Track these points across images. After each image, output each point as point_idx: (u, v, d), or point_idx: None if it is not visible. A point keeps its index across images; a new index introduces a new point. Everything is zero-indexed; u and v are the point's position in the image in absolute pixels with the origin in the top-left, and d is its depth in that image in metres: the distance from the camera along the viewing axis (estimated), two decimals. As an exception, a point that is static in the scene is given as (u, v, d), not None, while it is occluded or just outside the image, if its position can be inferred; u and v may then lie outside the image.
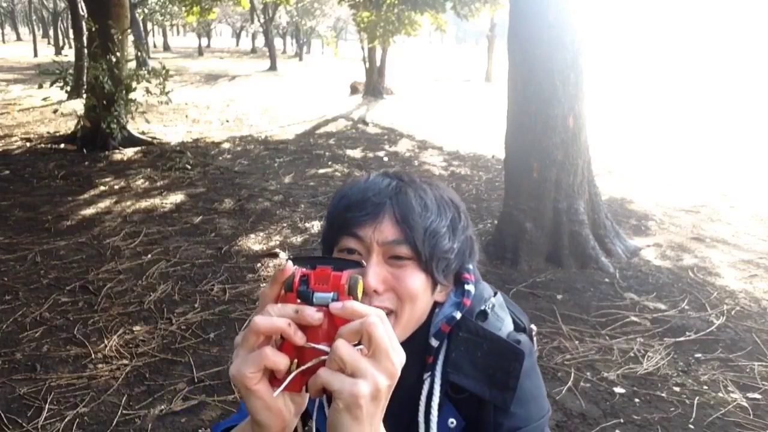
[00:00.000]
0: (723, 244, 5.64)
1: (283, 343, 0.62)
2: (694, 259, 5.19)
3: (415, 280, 0.88)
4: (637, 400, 3.13)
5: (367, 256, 0.88)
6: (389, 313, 0.86)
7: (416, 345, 0.92)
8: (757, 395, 3.18)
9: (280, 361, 0.61)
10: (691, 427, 2.93)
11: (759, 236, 5.93)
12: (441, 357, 0.93)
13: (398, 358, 0.61)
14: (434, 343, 0.93)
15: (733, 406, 3.08)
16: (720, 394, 3.18)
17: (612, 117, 13.84)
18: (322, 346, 0.61)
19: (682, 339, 3.77)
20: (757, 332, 3.88)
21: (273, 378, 0.63)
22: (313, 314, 0.61)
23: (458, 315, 0.94)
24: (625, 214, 6.43)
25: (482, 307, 0.97)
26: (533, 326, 1.08)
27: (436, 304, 0.96)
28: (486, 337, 0.93)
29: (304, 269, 0.65)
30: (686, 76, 28.73)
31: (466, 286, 0.97)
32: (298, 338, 0.61)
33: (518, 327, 1.03)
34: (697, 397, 3.15)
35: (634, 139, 11.55)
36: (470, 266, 1.00)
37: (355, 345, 0.60)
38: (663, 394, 3.18)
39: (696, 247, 5.51)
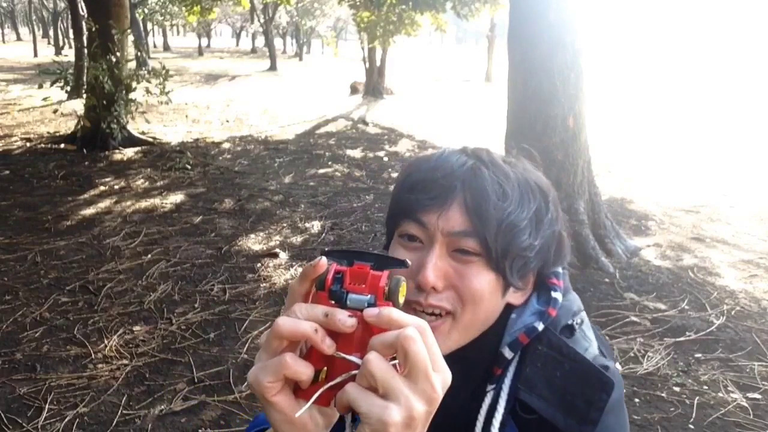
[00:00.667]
0: (723, 244, 5.64)
1: (311, 349, 0.55)
2: (694, 259, 5.19)
3: (482, 280, 0.76)
4: (637, 400, 3.13)
5: (428, 246, 0.77)
6: (446, 314, 0.76)
7: (483, 352, 0.81)
8: (757, 395, 3.18)
9: (301, 371, 0.53)
10: (691, 427, 2.93)
11: (759, 236, 5.93)
12: (511, 370, 0.80)
13: (440, 379, 0.52)
14: (508, 354, 0.80)
15: (733, 406, 3.08)
16: (720, 394, 3.18)
17: (612, 117, 13.84)
18: (353, 358, 0.53)
19: (682, 339, 3.77)
20: (757, 332, 3.88)
21: (298, 388, 0.55)
22: (345, 320, 0.53)
23: (540, 326, 0.80)
24: (625, 214, 6.43)
25: (569, 322, 0.84)
26: (618, 365, 0.93)
27: (511, 308, 0.83)
28: (569, 357, 0.79)
29: (339, 265, 0.57)
30: (686, 76, 28.73)
31: (553, 294, 0.83)
32: (326, 346, 0.53)
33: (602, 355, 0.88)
34: (697, 397, 3.15)
35: (634, 139, 11.55)
36: (559, 270, 0.86)
37: (390, 359, 0.52)
38: (663, 394, 3.18)
39: (696, 247, 5.51)
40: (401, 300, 0.56)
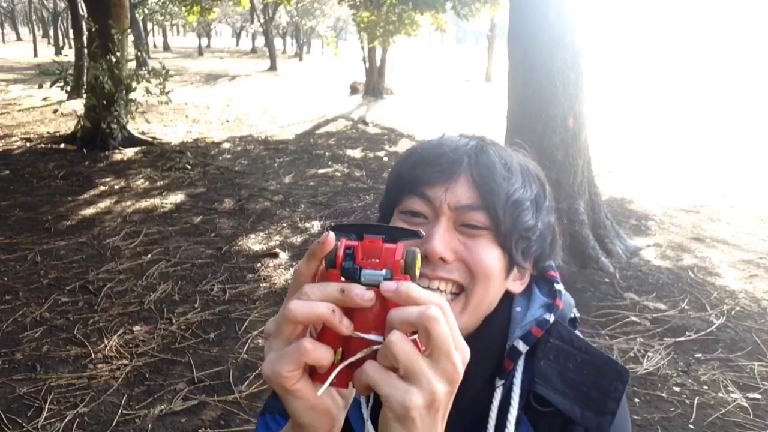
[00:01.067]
0: (723, 244, 5.64)
1: (324, 330, 0.52)
2: (694, 259, 5.19)
3: (491, 255, 0.74)
4: (637, 400, 3.13)
5: (433, 221, 0.74)
6: (459, 290, 0.74)
7: (491, 345, 0.79)
8: (757, 395, 3.18)
9: (323, 356, 0.50)
10: (691, 427, 2.93)
11: (759, 236, 5.93)
12: (521, 364, 0.79)
13: (461, 357, 0.51)
14: (522, 348, 0.78)
15: (733, 406, 3.08)
16: (720, 394, 3.18)
17: (612, 117, 13.84)
18: (372, 336, 0.51)
19: (682, 339, 3.77)
20: (757, 332, 3.88)
21: (314, 372, 0.53)
22: (363, 293, 0.50)
23: (552, 318, 0.79)
24: (625, 214, 6.43)
25: (572, 315, 0.84)
26: None
27: (509, 297, 0.82)
28: (581, 349, 0.79)
29: (348, 240, 0.53)
30: (686, 76, 28.73)
31: (556, 285, 0.84)
32: (344, 327, 0.50)
33: None
34: (697, 397, 3.15)
35: (634, 139, 11.55)
36: (552, 263, 0.86)
37: (410, 334, 0.50)
38: (663, 394, 3.18)
39: (696, 247, 5.51)
40: (417, 273, 0.53)
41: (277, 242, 5.41)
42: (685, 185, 7.92)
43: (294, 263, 4.90)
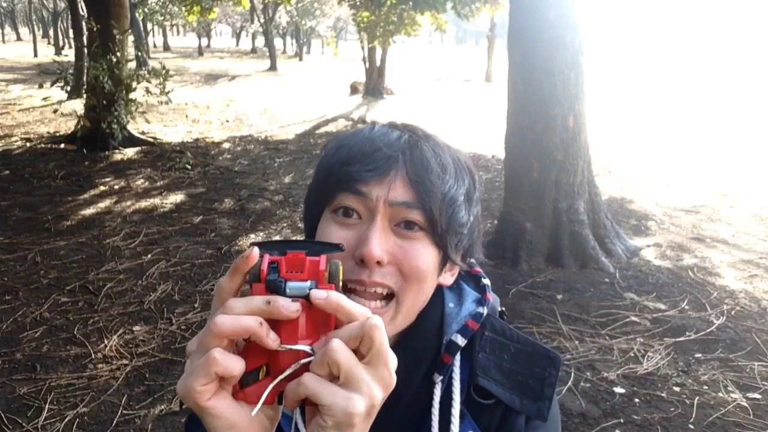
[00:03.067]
0: (723, 244, 5.64)
1: (248, 346, 0.52)
2: (694, 259, 5.19)
3: (426, 256, 0.72)
4: (637, 400, 3.13)
5: (368, 220, 0.71)
6: (389, 294, 0.72)
7: (426, 340, 0.78)
8: (757, 395, 3.18)
9: (232, 366, 0.49)
10: (691, 427, 2.93)
11: (759, 236, 5.93)
12: (458, 357, 0.79)
13: (394, 364, 0.52)
14: (461, 341, 0.78)
15: (733, 406, 3.08)
16: (720, 394, 3.18)
17: (612, 117, 13.84)
18: (302, 347, 0.51)
19: (682, 339, 3.77)
20: (757, 332, 3.88)
21: (237, 390, 0.52)
22: (289, 305, 0.50)
23: (485, 311, 0.80)
24: (625, 214, 6.44)
25: (500, 308, 0.86)
26: None
27: (440, 291, 0.81)
28: (514, 339, 0.81)
29: (272, 255, 0.54)
30: (686, 75, 28.73)
31: (483, 280, 0.85)
32: (271, 341, 0.50)
33: None
34: (697, 397, 3.15)
35: (634, 139, 11.55)
36: (474, 261, 0.85)
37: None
38: (663, 394, 3.18)
39: (696, 247, 5.51)
40: (341, 284, 0.54)
41: (277, 242, 5.41)
42: (685, 185, 7.92)
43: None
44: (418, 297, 0.74)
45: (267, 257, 0.53)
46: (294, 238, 0.54)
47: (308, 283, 0.52)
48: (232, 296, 0.54)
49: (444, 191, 0.73)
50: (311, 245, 0.55)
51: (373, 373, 0.50)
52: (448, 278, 0.81)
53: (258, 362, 0.51)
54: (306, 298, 0.51)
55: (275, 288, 0.51)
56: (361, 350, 0.50)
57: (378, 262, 0.69)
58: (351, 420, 0.49)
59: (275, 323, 0.51)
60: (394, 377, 0.52)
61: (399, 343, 0.75)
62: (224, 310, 0.51)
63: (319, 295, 0.51)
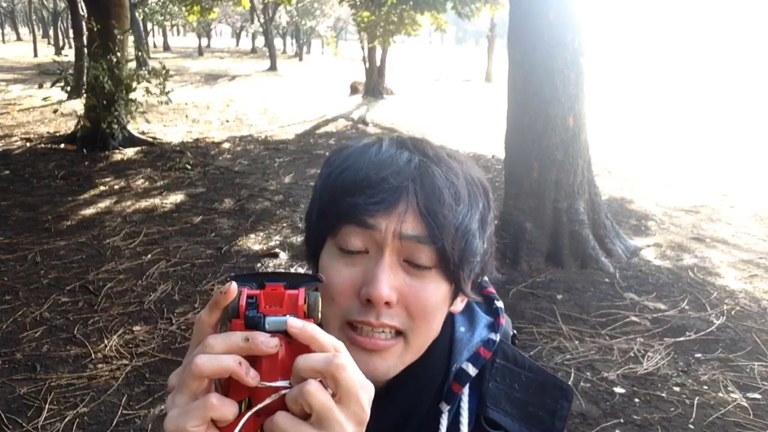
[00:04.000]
0: (723, 244, 5.64)
1: (230, 380, 0.52)
2: (694, 259, 5.19)
3: (436, 294, 0.69)
4: (637, 400, 3.13)
5: (376, 255, 0.67)
6: (398, 333, 0.68)
7: (434, 369, 0.75)
8: (757, 395, 3.18)
9: (229, 411, 0.50)
10: (691, 427, 2.93)
11: (759, 236, 5.93)
12: (467, 387, 0.75)
13: (367, 397, 0.52)
14: (472, 371, 0.75)
15: (733, 406, 3.08)
16: (720, 394, 3.18)
17: (612, 117, 13.84)
18: (279, 383, 0.51)
19: (682, 339, 3.77)
20: (757, 332, 3.88)
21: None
22: (268, 341, 0.50)
23: (497, 338, 0.77)
24: (625, 214, 6.44)
25: (513, 332, 0.82)
26: None
27: (450, 317, 0.77)
28: (525, 367, 0.77)
29: (250, 290, 0.53)
30: (686, 75, 28.73)
31: (496, 302, 0.81)
32: (251, 379, 0.50)
33: None
34: (697, 397, 3.15)
35: (634, 139, 11.55)
36: (487, 279, 0.81)
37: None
38: (663, 394, 3.18)
39: (696, 247, 5.51)
40: (320, 316, 0.54)
41: (277, 242, 5.41)
42: (685, 185, 7.92)
43: (294, 263, 4.91)
44: (428, 334, 0.72)
45: (245, 291, 0.53)
46: (272, 270, 0.54)
47: (287, 318, 0.52)
48: (211, 329, 0.54)
49: (457, 224, 0.67)
50: (290, 277, 0.55)
51: (346, 411, 0.50)
52: (459, 305, 0.77)
53: (239, 396, 0.51)
54: (285, 333, 0.51)
55: (254, 324, 0.51)
56: (329, 387, 0.50)
57: (387, 303, 0.66)
58: None
59: (255, 357, 0.51)
60: (368, 411, 0.52)
61: (406, 374, 0.72)
62: (204, 348, 0.51)
63: (295, 324, 0.51)
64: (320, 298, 0.54)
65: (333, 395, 0.50)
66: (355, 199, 0.67)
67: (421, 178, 0.68)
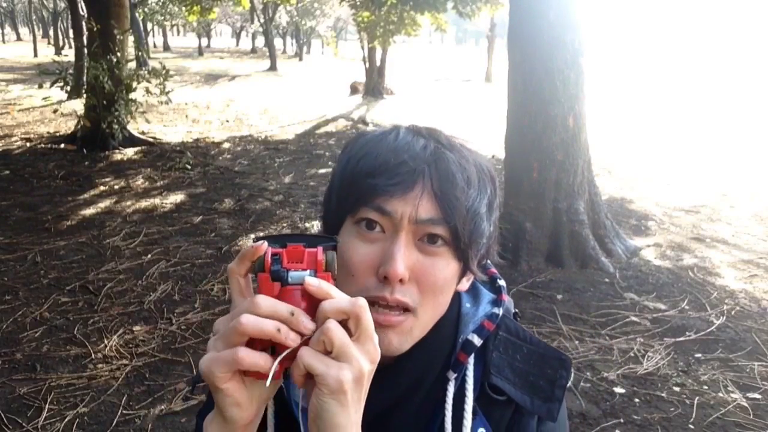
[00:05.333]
0: (723, 244, 5.64)
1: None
2: (694, 259, 5.19)
3: (447, 272, 0.74)
4: (637, 400, 3.13)
5: (392, 235, 0.72)
6: (405, 310, 0.73)
7: (442, 341, 0.80)
8: (757, 395, 3.18)
9: (258, 363, 0.56)
10: (691, 427, 2.93)
11: (759, 236, 5.93)
12: (472, 357, 0.81)
13: (377, 340, 0.59)
14: (477, 341, 0.80)
15: (733, 406, 3.08)
16: (720, 394, 3.18)
17: (612, 117, 13.84)
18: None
19: (682, 339, 3.77)
20: (757, 332, 3.88)
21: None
22: (308, 324, 0.57)
23: (501, 312, 0.83)
24: (625, 214, 6.44)
25: (514, 309, 0.88)
26: None
27: (456, 294, 0.83)
28: (526, 340, 0.83)
29: (273, 248, 0.60)
30: (686, 75, 28.73)
31: (499, 281, 0.87)
32: (291, 341, 0.56)
33: None
34: (697, 397, 3.15)
35: (634, 139, 11.55)
36: (490, 261, 0.86)
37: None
38: (663, 394, 3.18)
39: (696, 247, 5.51)
40: (336, 271, 0.61)
41: (277, 242, 5.41)
42: (685, 185, 7.92)
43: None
44: (436, 310, 0.77)
45: (270, 250, 0.60)
46: (292, 233, 0.64)
47: (308, 272, 0.59)
48: (242, 278, 0.62)
49: (468, 205, 0.73)
50: (309, 238, 0.62)
51: (361, 348, 0.57)
52: (465, 284, 0.82)
53: (266, 344, 0.58)
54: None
55: (278, 277, 0.58)
56: (350, 328, 0.57)
57: (401, 280, 0.71)
58: (342, 387, 0.56)
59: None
60: (379, 351, 0.59)
61: (417, 344, 0.76)
62: (251, 306, 0.57)
63: (312, 282, 0.58)
64: (336, 255, 0.62)
65: (350, 335, 0.57)
66: (375, 180, 0.72)
67: (435, 162, 0.73)
